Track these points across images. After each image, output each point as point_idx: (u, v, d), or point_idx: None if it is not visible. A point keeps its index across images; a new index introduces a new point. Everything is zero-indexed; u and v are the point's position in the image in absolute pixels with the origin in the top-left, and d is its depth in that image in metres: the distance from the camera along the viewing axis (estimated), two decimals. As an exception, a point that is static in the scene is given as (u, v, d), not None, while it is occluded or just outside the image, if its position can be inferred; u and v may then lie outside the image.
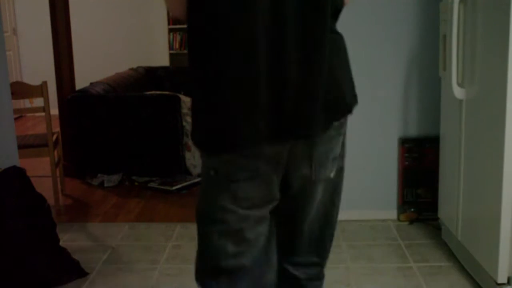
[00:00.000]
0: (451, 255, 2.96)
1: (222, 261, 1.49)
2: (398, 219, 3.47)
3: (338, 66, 1.45)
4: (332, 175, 1.53)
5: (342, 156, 1.57)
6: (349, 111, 1.47)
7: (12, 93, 3.24)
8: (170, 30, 7.26)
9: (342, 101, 1.44)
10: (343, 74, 1.46)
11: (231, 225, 1.45)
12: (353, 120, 3.37)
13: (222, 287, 1.52)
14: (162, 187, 4.23)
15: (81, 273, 2.83)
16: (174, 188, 4.19)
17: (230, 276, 1.51)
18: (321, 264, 1.70)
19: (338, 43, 1.48)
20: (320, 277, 1.72)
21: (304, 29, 1.34)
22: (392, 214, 3.49)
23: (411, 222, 3.43)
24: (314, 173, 1.47)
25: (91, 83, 4.89)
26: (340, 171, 1.59)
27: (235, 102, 1.30)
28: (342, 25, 3.38)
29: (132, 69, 6.06)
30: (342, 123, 1.47)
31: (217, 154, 1.39)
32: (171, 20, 7.21)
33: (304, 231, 1.61)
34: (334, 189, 1.61)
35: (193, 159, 4.51)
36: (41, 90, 3.90)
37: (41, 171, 4.49)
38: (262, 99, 1.30)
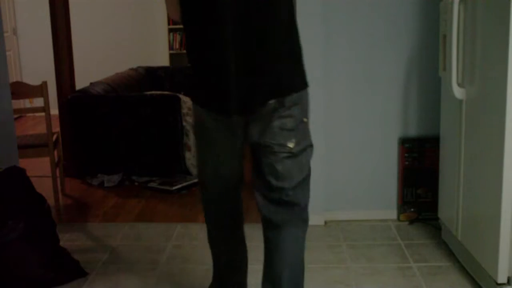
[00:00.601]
0: (451, 255, 2.96)
1: (202, 175, 2.16)
2: (398, 219, 3.47)
3: (282, 59, 1.90)
4: (291, 145, 1.92)
5: (298, 131, 1.94)
6: (285, 93, 1.90)
7: (12, 93, 3.24)
8: (170, 30, 7.26)
9: (277, 86, 1.89)
10: (286, 65, 1.91)
11: (212, 152, 2.05)
12: (353, 120, 3.39)
13: (203, 191, 2.20)
14: (162, 187, 4.23)
15: (81, 273, 2.83)
16: (174, 188, 4.19)
17: (205, 186, 2.18)
18: (295, 206, 2.02)
19: (288, 42, 1.91)
20: (296, 224, 2.05)
21: (252, 37, 1.84)
22: (392, 214, 3.49)
23: (411, 222, 3.43)
24: (262, 138, 1.93)
25: (91, 83, 4.89)
26: (299, 142, 1.95)
27: (203, 81, 1.95)
28: (343, 25, 3.41)
29: (132, 69, 6.06)
30: (281, 101, 1.89)
31: (194, 104, 2.06)
32: (171, 20, 7.21)
33: (272, 185, 1.98)
34: (292, 156, 1.94)
35: (193, 159, 4.51)
36: (41, 90, 3.89)
37: (41, 171, 4.49)
38: (213, 82, 1.91)
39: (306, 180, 2.03)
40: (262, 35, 1.84)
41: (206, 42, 1.87)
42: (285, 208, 2.01)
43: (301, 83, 1.95)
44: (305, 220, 2.08)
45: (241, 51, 1.83)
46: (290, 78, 1.92)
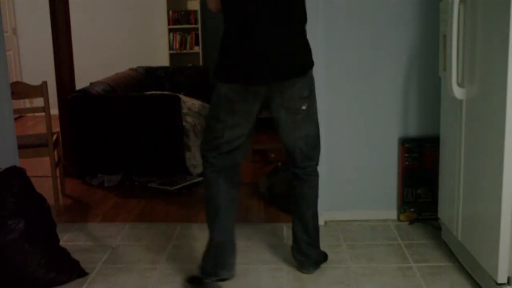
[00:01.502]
0: (451, 255, 2.96)
1: (219, 144, 2.55)
2: (398, 219, 3.47)
3: (297, 42, 2.50)
4: (304, 107, 2.55)
5: (309, 98, 2.58)
6: (305, 70, 2.52)
7: (12, 93, 3.24)
8: (170, 30, 7.25)
9: (300, 65, 2.51)
10: (299, 47, 2.52)
11: (228, 124, 2.52)
12: (353, 120, 3.38)
13: (214, 155, 2.59)
14: (162, 187, 4.23)
15: (81, 273, 2.84)
16: (174, 188, 4.19)
17: (220, 153, 2.58)
18: (311, 165, 2.73)
19: (296, 28, 2.49)
20: (314, 174, 2.76)
21: (273, 23, 2.42)
22: (392, 214, 3.49)
23: (411, 222, 3.43)
24: (284, 103, 2.51)
25: (91, 83, 4.89)
26: (311, 105, 2.60)
27: (232, 59, 2.48)
28: (343, 25, 3.40)
29: (132, 69, 6.06)
30: (299, 78, 2.49)
31: (223, 82, 2.52)
32: (171, 20, 7.21)
33: (293, 145, 2.64)
34: (306, 115, 2.58)
35: (193, 159, 4.51)
36: (41, 90, 3.89)
37: (41, 171, 4.49)
38: (244, 59, 2.46)
39: (317, 138, 2.70)
40: (287, 23, 2.43)
41: (244, 29, 2.43)
42: (305, 161, 2.69)
43: (311, 63, 2.57)
44: (317, 173, 2.77)
45: (271, 35, 2.42)
46: (306, 59, 2.54)
